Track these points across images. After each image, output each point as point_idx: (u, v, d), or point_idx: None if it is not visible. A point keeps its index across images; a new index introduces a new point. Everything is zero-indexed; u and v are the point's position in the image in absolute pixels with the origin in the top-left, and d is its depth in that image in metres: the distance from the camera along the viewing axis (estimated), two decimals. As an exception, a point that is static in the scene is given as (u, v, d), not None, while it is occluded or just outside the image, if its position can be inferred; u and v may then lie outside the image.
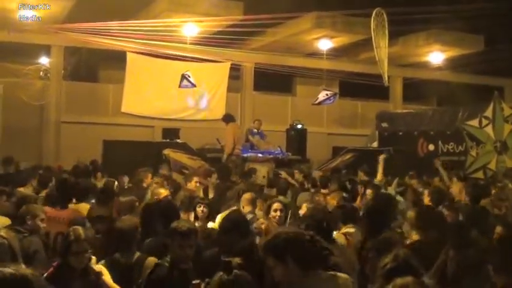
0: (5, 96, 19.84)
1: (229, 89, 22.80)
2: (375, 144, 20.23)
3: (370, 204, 7.36)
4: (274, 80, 23.36)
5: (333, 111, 24.68)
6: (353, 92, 24.97)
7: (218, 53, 20.48)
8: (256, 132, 17.99)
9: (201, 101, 22.27)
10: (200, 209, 8.14)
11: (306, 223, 5.83)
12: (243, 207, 8.11)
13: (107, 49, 19.50)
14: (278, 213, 7.43)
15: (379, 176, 11.83)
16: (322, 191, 11.15)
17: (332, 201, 9.45)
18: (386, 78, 17.52)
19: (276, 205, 7.55)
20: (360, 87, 23.30)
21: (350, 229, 7.14)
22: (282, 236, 4.13)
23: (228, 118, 17.05)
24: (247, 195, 8.44)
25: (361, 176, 13.56)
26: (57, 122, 20.36)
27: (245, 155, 16.49)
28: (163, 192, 8.89)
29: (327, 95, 18.64)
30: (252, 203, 8.31)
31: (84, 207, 8.03)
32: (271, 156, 17.19)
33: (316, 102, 19.16)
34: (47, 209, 7.17)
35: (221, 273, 4.10)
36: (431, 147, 18.74)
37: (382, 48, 16.61)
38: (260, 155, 16.91)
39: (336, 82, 24.58)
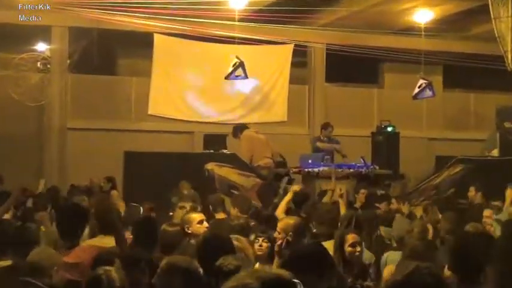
0: (-11, 95, 20.11)
1: (293, 80, 22.69)
2: (495, 152, 19.84)
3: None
4: (353, 67, 23.04)
5: (436, 108, 24.29)
6: (463, 80, 24.76)
7: (277, 32, 20.46)
8: (327, 140, 18.24)
9: (255, 97, 22.27)
10: (258, 244, 7.36)
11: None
12: None
13: (127, 30, 19.54)
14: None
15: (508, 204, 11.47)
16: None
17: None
18: (510, 60, 17.16)
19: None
20: (472, 73, 23.02)
21: None
22: (422, 273, 4.46)
23: (236, 130, 17.67)
24: None
25: (472, 195, 13.25)
26: (62, 129, 20.52)
27: (316, 169, 16.46)
28: (197, 217, 8.76)
29: (425, 83, 18.56)
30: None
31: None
32: (352, 170, 17.06)
33: (413, 95, 19.04)
34: None
35: None
36: None
37: (503, 19, 16.44)
38: (337, 168, 16.81)
39: (440, 68, 24.28)
